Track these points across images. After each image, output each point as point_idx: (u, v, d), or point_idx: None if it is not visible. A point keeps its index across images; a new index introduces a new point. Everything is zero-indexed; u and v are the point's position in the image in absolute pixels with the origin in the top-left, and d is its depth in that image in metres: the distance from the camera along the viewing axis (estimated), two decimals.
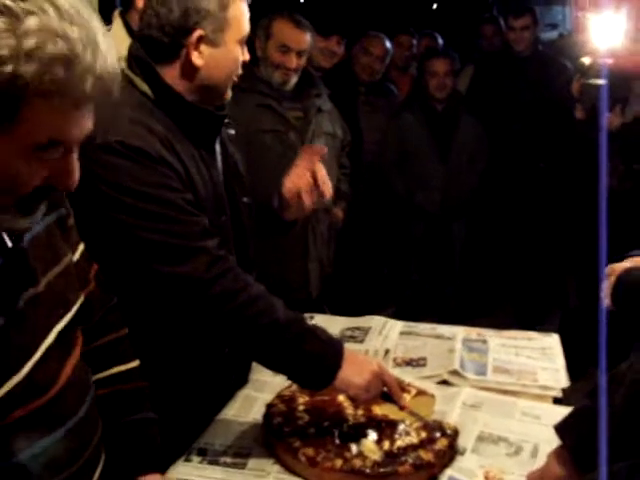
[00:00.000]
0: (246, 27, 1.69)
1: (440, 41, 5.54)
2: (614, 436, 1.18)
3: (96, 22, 0.97)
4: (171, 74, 1.65)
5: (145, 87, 1.65)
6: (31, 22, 0.88)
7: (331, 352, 1.61)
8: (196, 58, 1.63)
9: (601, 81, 3.32)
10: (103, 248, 1.55)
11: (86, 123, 1.01)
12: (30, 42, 0.88)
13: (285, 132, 2.99)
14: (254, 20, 1.74)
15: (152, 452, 1.44)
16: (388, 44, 4.33)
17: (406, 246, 4.63)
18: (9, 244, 1.08)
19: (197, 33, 1.61)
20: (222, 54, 1.65)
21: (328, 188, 1.87)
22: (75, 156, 1.03)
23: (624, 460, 1.20)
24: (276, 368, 1.66)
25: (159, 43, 1.63)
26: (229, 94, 1.76)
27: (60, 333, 1.18)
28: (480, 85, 4.79)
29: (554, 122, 4.10)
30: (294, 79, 2.99)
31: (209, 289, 1.54)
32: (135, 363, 1.47)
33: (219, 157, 1.82)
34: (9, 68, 0.87)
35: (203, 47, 1.63)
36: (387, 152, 4.36)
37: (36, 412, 1.11)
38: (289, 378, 1.69)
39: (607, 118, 3.24)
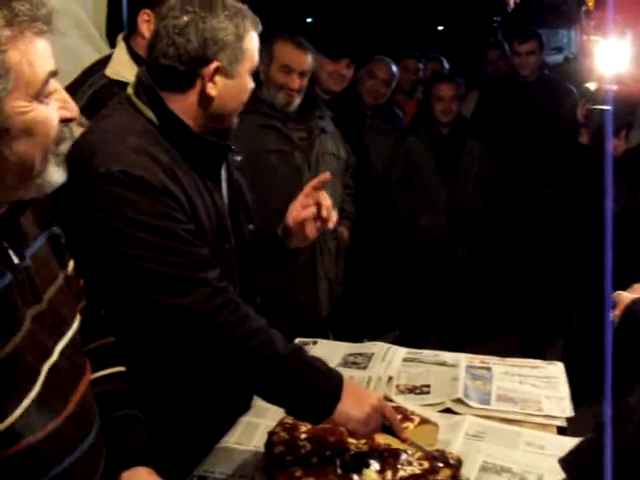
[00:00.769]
0: (257, 57, 1.70)
1: (446, 65, 5.56)
2: (621, 474, 1.16)
3: None
4: (182, 103, 1.64)
5: (150, 114, 1.64)
6: None
7: (330, 385, 1.59)
8: (211, 89, 1.62)
9: (606, 107, 3.32)
10: (100, 279, 1.54)
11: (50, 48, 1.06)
12: None
13: (290, 152, 3.00)
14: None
15: (137, 447, 1.42)
16: (394, 68, 4.34)
17: (410, 269, 4.61)
18: (15, 260, 1.09)
19: (215, 64, 1.60)
20: (235, 85, 1.66)
21: (332, 217, 1.87)
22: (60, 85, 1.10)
23: None
24: (274, 401, 1.64)
25: (174, 72, 1.61)
26: (236, 121, 1.76)
27: (63, 352, 1.17)
28: (486, 109, 4.79)
29: (559, 147, 4.10)
30: (297, 100, 3.00)
31: (209, 321, 1.52)
32: (121, 368, 1.47)
33: (224, 184, 1.82)
34: None
35: (218, 78, 1.62)
36: (392, 175, 4.36)
37: (50, 436, 1.11)
38: (287, 411, 1.66)
39: (612, 144, 3.24)
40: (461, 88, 4.43)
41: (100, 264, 1.54)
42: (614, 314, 1.62)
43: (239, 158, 1.92)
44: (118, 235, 1.51)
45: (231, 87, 1.65)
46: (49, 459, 1.12)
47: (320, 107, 3.21)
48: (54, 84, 1.06)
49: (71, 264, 1.35)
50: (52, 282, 1.21)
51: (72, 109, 1.10)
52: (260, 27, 1.70)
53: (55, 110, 1.06)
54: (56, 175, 1.10)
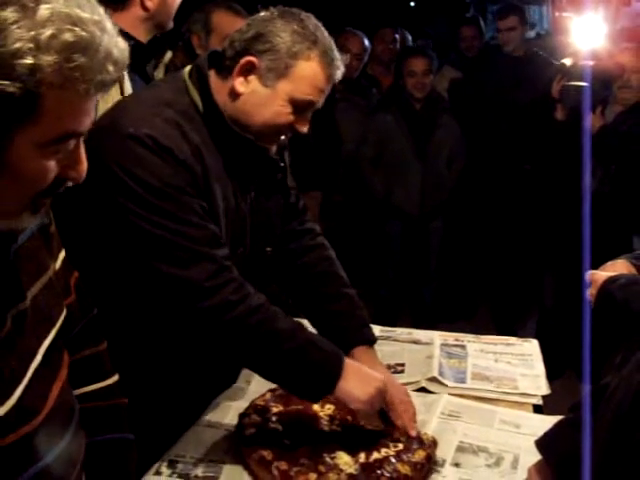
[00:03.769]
0: (309, 93, 1.61)
1: (409, 37, 5.49)
2: (600, 455, 1.14)
3: (98, 7, 0.93)
4: (221, 87, 1.62)
5: (197, 97, 1.63)
6: (43, 11, 0.84)
7: (332, 362, 1.58)
8: (239, 83, 1.59)
9: (583, 83, 3.31)
10: (91, 249, 1.54)
11: (93, 111, 0.97)
12: (47, 32, 0.84)
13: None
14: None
15: (127, 474, 1.38)
16: (366, 41, 4.27)
17: (383, 246, 4.58)
18: None
19: (249, 58, 1.57)
20: (265, 96, 1.59)
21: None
22: (83, 146, 0.99)
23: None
24: (274, 378, 1.62)
25: (224, 55, 1.62)
26: (271, 149, 1.73)
27: (46, 351, 1.10)
28: (468, 86, 4.70)
29: (534, 122, 4.06)
30: None
31: (207, 298, 1.50)
32: (114, 378, 1.40)
33: (253, 194, 1.76)
34: (28, 60, 0.83)
35: (252, 77, 1.58)
36: (364, 151, 4.31)
37: (25, 438, 1.04)
38: (287, 388, 1.64)
39: (589, 120, 3.22)
40: (434, 62, 4.34)
41: (104, 228, 1.53)
42: (589, 293, 1.60)
43: (280, 175, 1.85)
44: (132, 195, 1.49)
45: (260, 95, 1.59)
46: (24, 462, 1.05)
47: None
48: (77, 143, 0.97)
49: (61, 255, 1.25)
50: (39, 277, 1.13)
51: (76, 176, 1.00)
52: (337, 69, 1.64)
53: (55, 166, 0.95)
54: (26, 221, 1.01)
